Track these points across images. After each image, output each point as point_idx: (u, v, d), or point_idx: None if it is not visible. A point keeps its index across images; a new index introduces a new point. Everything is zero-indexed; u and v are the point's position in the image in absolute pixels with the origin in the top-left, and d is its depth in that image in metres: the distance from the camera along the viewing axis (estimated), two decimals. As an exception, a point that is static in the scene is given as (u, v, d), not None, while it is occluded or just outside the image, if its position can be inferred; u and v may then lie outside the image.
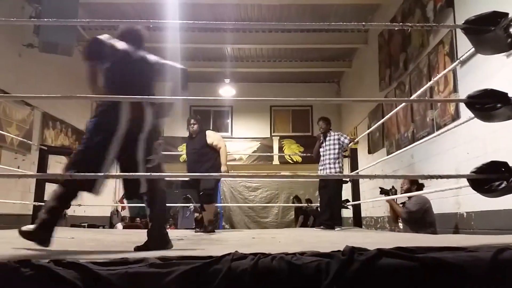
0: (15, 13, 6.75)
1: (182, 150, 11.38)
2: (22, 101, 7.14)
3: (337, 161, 5.24)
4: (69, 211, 3.54)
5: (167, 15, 7.57)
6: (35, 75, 7.20)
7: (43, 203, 5.13)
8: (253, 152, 11.60)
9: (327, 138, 5.41)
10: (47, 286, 1.28)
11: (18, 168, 6.07)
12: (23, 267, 1.30)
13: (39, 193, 5.21)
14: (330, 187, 5.28)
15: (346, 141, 5.36)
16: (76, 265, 1.30)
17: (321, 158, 5.43)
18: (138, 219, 10.79)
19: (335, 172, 5.18)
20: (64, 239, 3.03)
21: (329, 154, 5.30)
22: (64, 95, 2.61)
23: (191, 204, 9.29)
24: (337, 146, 5.28)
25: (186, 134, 5.05)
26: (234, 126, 12.88)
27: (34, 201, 5.08)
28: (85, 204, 3.36)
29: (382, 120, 4.95)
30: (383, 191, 4.77)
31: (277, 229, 8.14)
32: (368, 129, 7.20)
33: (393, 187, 4.75)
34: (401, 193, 4.62)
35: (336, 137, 5.35)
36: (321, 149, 5.45)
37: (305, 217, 10.67)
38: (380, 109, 7.84)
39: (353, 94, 10.38)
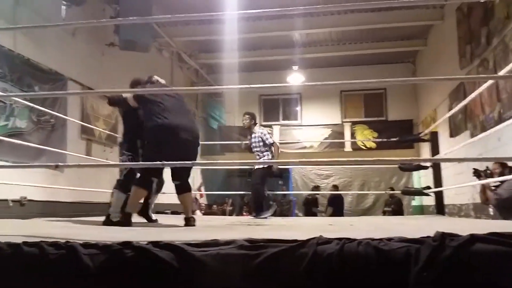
0: (97, 15, 7.24)
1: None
2: (107, 97, 7.65)
3: (263, 153, 5.34)
4: (156, 199, 3.83)
5: (233, 5, 7.63)
6: (116, 71, 7.68)
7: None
8: (324, 139, 11.47)
9: (253, 135, 5.46)
10: (146, 266, 1.39)
11: (107, 159, 6.55)
12: (126, 248, 1.43)
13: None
14: (253, 178, 5.43)
15: (269, 141, 5.37)
16: (172, 247, 1.40)
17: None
18: (214, 206, 11.21)
19: (262, 165, 5.21)
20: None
21: (256, 148, 5.41)
22: (139, 90, 2.77)
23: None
24: (261, 143, 5.37)
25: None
26: (304, 113, 12.79)
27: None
28: (168, 192, 3.60)
29: (465, 101, 4.61)
30: (477, 173, 4.49)
31: (353, 217, 8.02)
32: (449, 110, 6.77)
33: (487, 168, 4.44)
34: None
35: (259, 134, 5.40)
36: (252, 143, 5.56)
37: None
38: (462, 88, 7.34)
39: (431, 73, 9.77)
